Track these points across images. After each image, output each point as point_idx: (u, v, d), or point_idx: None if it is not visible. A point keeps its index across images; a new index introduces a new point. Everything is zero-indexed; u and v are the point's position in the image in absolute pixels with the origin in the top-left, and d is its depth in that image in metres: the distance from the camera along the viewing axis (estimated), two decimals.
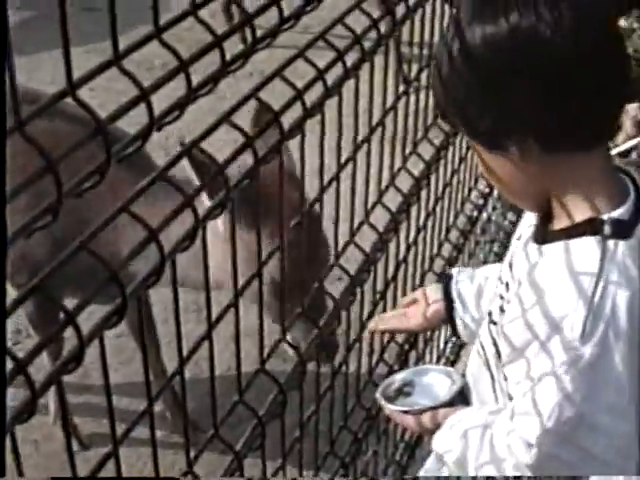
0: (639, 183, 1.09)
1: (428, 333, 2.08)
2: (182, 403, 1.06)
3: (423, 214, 1.83)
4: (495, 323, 1.17)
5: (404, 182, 1.61)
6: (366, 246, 1.44)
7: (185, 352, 0.91)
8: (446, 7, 1.62)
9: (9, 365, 0.60)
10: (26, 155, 0.60)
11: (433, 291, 1.51)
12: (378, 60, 1.25)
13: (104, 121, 0.63)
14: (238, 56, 0.81)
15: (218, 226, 1.68)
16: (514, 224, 2.84)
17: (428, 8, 1.56)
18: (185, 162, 1.41)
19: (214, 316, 0.94)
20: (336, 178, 1.22)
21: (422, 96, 1.66)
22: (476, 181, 2.48)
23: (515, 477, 1.15)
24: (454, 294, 1.46)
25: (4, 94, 0.55)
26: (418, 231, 1.82)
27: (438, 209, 1.99)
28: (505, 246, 2.78)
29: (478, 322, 1.38)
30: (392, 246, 1.59)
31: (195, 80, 0.75)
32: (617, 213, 1.03)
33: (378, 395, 1.39)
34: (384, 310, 1.64)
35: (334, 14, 1.09)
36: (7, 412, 0.61)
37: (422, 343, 2.06)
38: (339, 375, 1.46)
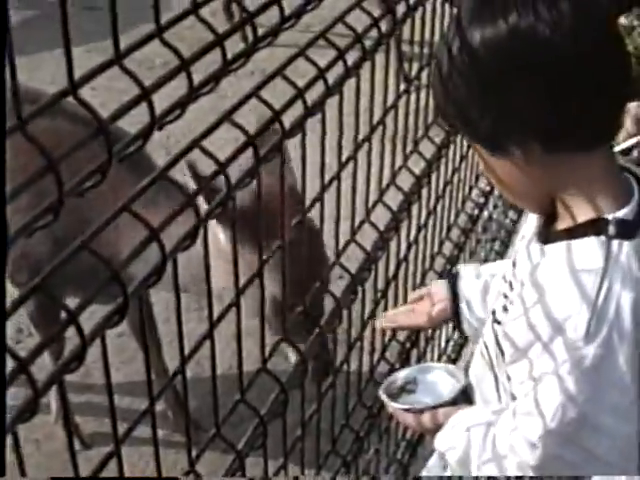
0: None
1: (429, 331, 2.08)
2: (184, 402, 1.06)
3: (424, 212, 1.83)
4: (499, 322, 1.17)
5: (405, 181, 1.61)
6: (367, 245, 1.44)
7: (187, 351, 0.91)
8: (446, 6, 1.62)
9: (11, 364, 0.60)
10: (28, 154, 0.60)
11: (440, 288, 1.50)
12: (379, 59, 1.25)
13: (106, 120, 0.63)
14: (239, 55, 0.81)
15: (222, 245, 1.67)
16: (515, 222, 2.84)
17: (429, 6, 1.56)
18: (185, 170, 1.42)
19: (215, 315, 0.94)
20: (337, 177, 1.22)
21: (423, 95, 1.66)
22: (477, 179, 2.48)
23: (517, 477, 1.14)
24: (460, 294, 1.46)
25: (4, 93, 0.55)
26: (419, 230, 1.82)
27: (439, 207, 1.99)
28: (506, 244, 2.78)
29: (483, 322, 1.38)
30: (393, 245, 1.59)
31: (196, 79, 0.75)
32: (621, 213, 1.03)
33: (381, 392, 1.39)
34: (385, 309, 1.64)
35: (335, 13, 1.09)
36: (8, 411, 0.61)
37: (423, 341, 2.07)
38: (340, 373, 1.46)
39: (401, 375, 1.43)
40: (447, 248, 2.19)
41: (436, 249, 2.05)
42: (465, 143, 2.09)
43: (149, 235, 0.74)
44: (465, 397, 1.32)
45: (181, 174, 1.32)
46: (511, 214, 2.84)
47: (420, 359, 2.03)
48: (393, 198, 1.54)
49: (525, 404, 1.06)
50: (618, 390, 1.00)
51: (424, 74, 1.59)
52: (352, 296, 1.40)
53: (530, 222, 1.20)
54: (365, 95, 1.24)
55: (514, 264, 1.18)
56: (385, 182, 1.52)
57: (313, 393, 1.33)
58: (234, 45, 0.78)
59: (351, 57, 1.11)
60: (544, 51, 0.96)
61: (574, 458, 1.05)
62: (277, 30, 0.89)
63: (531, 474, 1.08)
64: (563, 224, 1.08)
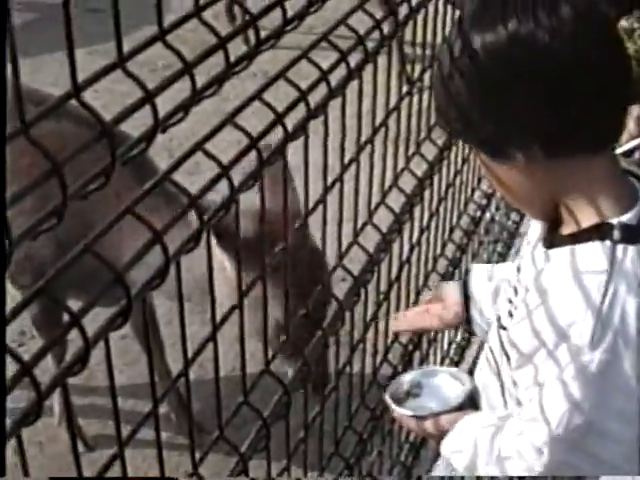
0: None
1: (432, 334, 2.08)
2: (187, 404, 1.06)
3: (426, 214, 1.83)
4: (504, 328, 1.16)
5: (407, 183, 1.61)
6: (370, 247, 1.44)
7: (190, 353, 0.91)
8: (449, 7, 1.62)
9: (15, 367, 0.60)
10: (32, 157, 0.60)
11: (452, 291, 1.49)
12: (381, 61, 1.25)
13: (109, 123, 0.63)
14: (242, 57, 0.81)
15: (227, 272, 1.67)
16: (517, 224, 2.84)
17: (431, 8, 1.56)
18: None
19: (218, 317, 0.94)
20: (339, 179, 1.22)
21: (425, 96, 1.66)
22: (479, 181, 2.48)
23: (519, 477, 1.14)
24: (472, 297, 1.45)
25: (4, 96, 0.55)
26: (421, 231, 1.82)
27: (441, 209, 1.99)
28: (509, 246, 2.78)
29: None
30: (395, 247, 1.59)
31: (199, 82, 0.75)
32: (626, 217, 1.02)
33: (387, 397, 1.39)
34: (388, 311, 1.64)
35: (337, 15, 1.09)
36: (11, 413, 0.61)
37: (426, 344, 2.06)
38: (343, 376, 1.46)
39: (406, 379, 1.42)
40: (450, 250, 2.19)
41: (439, 251, 2.05)
42: (467, 146, 2.09)
43: (152, 237, 0.74)
44: (472, 402, 1.32)
45: (184, 177, 1.32)
46: (513, 216, 2.84)
47: (423, 361, 2.03)
48: (395, 200, 1.54)
49: (531, 410, 1.05)
50: (623, 395, 1.00)
51: (426, 76, 1.59)
52: (355, 298, 1.40)
53: (535, 227, 1.20)
54: (367, 97, 1.24)
55: (519, 269, 1.18)
56: (387, 184, 1.52)
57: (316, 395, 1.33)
58: (237, 47, 0.78)
59: (353, 59, 1.11)
60: (544, 58, 0.96)
61: (580, 463, 1.05)
62: (280, 32, 0.89)
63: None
64: (567, 229, 1.07)
